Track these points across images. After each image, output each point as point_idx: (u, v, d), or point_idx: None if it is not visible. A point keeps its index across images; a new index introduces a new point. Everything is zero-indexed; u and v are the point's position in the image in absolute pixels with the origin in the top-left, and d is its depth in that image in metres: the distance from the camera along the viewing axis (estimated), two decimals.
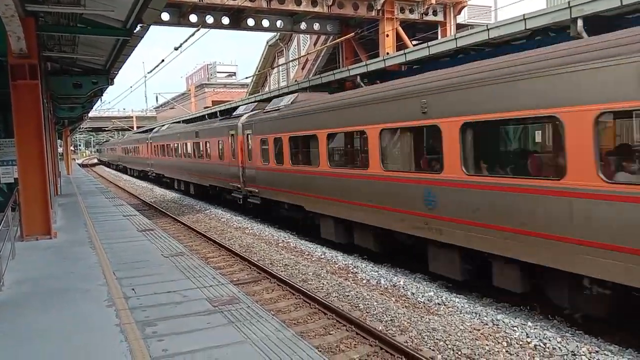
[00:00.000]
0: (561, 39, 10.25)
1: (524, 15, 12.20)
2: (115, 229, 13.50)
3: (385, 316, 8.30)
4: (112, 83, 19.44)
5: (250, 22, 24.92)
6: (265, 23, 25.51)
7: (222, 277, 8.49)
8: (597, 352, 6.36)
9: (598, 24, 10.46)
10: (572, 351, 6.43)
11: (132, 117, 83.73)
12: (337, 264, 11.91)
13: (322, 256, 12.71)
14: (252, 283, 10.85)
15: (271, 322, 6.01)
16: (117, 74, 19.20)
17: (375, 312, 8.53)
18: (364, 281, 10.43)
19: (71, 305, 6.99)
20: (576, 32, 10.87)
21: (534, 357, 6.44)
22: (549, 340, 6.78)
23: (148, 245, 11.23)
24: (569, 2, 11.16)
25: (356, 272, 11.04)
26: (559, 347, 6.56)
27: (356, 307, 8.92)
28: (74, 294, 7.52)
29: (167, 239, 11.91)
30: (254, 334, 5.65)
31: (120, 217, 16.09)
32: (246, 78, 40.46)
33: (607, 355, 6.26)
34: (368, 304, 8.93)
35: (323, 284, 10.41)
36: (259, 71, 43.40)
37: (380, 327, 7.83)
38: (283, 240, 14.94)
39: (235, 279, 10.98)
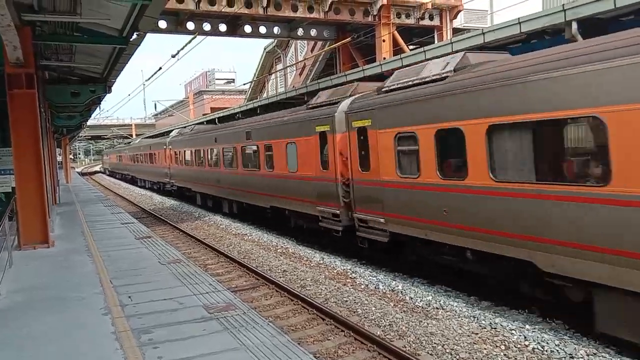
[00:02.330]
0: (557, 42, 10.29)
1: (519, 18, 12.23)
2: (113, 237, 13.48)
3: (383, 321, 8.28)
4: (110, 91, 19.49)
5: (247, 28, 25.05)
6: (262, 29, 25.64)
7: (219, 284, 8.47)
8: (594, 354, 6.34)
9: (593, 26, 10.50)
10: (570, 354, 6.41)
11: (131, 124, 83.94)
12: (335, 269, 11.88)
13: (321, 261, 12.68)
14: (250, 289, 10.83)
15: (267, 328, 5.99)
16: (114, 81, 19.26)
17: (373, 317, 8.50)
18: (363, 286, 10.40)
19: (67, 314, 6.97)
20: (571, 34, 10.91)
21: None
22: (547, 343, 6.75)
23: (146, 252, 11.21)
24: (563, 5, 11.20)
25: (355, 277, 11.02)
26: (557, 350, 6.54)
27: (354, 312, 8.89)
28: (70, 302, 7.50)
29: (165, 247, 11.89)
30: (250, 340, 5.63)
31: (118, 224, 16.07)
32: (244, 84, 40.59)
33: (604, 357, 6.25)
34: (366, 309, 8.90)
35: (321, 289, 10.39)
36: (257, 77, 43.53)
37: (378, 332, 7.80)
38: (282, 246, 14.92)
39: (233, 286, 10.95)
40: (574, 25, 10.84)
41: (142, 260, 10.37)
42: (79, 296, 7.81)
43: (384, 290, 9.91)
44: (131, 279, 8.70)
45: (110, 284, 8.41)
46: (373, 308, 8.91)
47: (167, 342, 5.69)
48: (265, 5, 22.67)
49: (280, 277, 11.50)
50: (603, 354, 6.35)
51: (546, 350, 6.59)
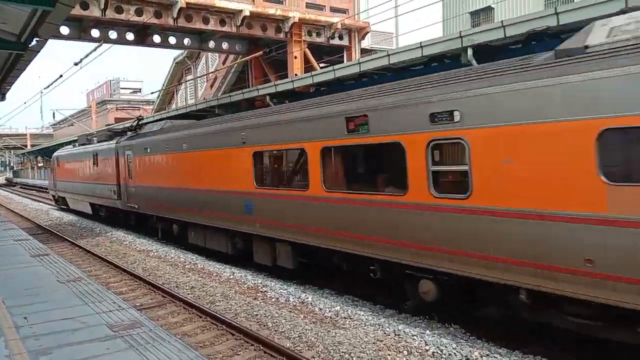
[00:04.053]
0: (455, 66, 11.11)
1: (420, 42, 13.00)
2: (5, 255, 12.51)
3: (293, 333, 8.39)
4: (3, 99, 18.18)
5: (157, 38, 24.46)
6: (172, 40, 25.15)
7: (124, 302, 8.17)
8: (487, 355, 6.87)
9: (486, 52, 11.44)
10: (465, 356, 6.90)
11: (25, 134, 78.07)
12: (246, 283, 11.85)
13: (231, 276, 12.58)
14: (156, 307, 10.49)
15: (174, 344, 5.90)
16: (9, 88, 17.99)
17: (283, 330, 8.59)
18: (273, 299, 10.47)
19: None
20: (467, 59, 11.79)
21: None
22: (445, 346, 7.22)
23: (42, 270, 10.53)
24: (460, 32, 12.09)
25: (265, 291, 11.06)
26: (454, 353, 7.01)
27: (265, 325, 8.93)
28: None
29: (64, 264, 11.24)
30: (156, 356, 5.51)
31: (10, 242, 14.93)
32: (152, 93, 39.23)
33: (496, 357, 6.79)
34: (277, 322, 8.97)
35: (232, 304, 10.31)
36: (165, 88, 42.40)
37: (288, 344, 7.90)
38: (190, 262, 14.60)
39: (138, 304, 10.56)
40: (470, 51, 11.73)
41: (38, 279, 9.74)
42: None
43: (294, 303, 10.04)
44: (26, 299, 8.15)
45: (2, 305, 7.82)
46: (283, 320, 9.01)
47: None
48: (175, 16, 22.30)
49: (189, 294, 11.26)
50: (495, 355, 6.90)
51: (444, 354, 7.05)
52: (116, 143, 20.99)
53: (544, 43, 10.75)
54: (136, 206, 18.81)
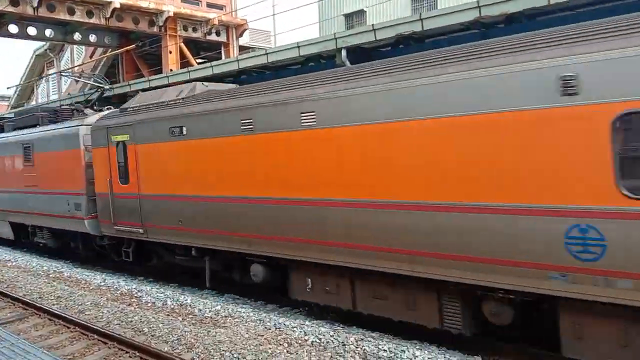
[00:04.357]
0: (330, 66, 11.50)
1: (298, 43, 13.28)
2: None
3: (171, 336, 8.12)
4: None
5: (13, 28, 22.17)
6: (32, 31, 22.97)
7: None
8: (362, 339, 7.23)
9: (358, 54, 11.98)
10: (342, 342, 7.19)
11: None
12: (119, 290, 11.23)
13: (102, 283, 11.85)
14: (16, 321, 9.53)
15: (42, 357, 5.42)
16: None
17: (161, 334, 8.28)
18: (149, 304, 10.05)
19: None
20: (341, 60, 12.25)
21: (310, 353, 7.01)
22: (324, 335, 7.47)
23: None
24: (334, 34, 12.54)
25: (140, 296, 10.57)
26: (332, 340, 7.28)
27: (141, 331, 8.53)
28: None
29: None
30: None
31: None
32: (8, 89, 35.63)
33: (370, 341, 7.17)
34: (153, 327, 8.62)
35: (103, 312, 9.71)
36: (24, 82, 38.65)
37: (166, 348, 7.63)
38: (55, 271, 13.49)
39: None
40: (344, 52, 12.20)
41: None
42: None
43: (172, 306, 9.73)
44: None
45: None
46: (161, 325, 8.68)
47: None
48: (35, 5, 20.31)
49: (54, 304, 10.40)
50: (369, 338, 7.28)
51: (323, 342, 7.29)
52: (83, 125, 13.24)
53: (410, 47, 11.52)
54: (141, 230, 11.36)
